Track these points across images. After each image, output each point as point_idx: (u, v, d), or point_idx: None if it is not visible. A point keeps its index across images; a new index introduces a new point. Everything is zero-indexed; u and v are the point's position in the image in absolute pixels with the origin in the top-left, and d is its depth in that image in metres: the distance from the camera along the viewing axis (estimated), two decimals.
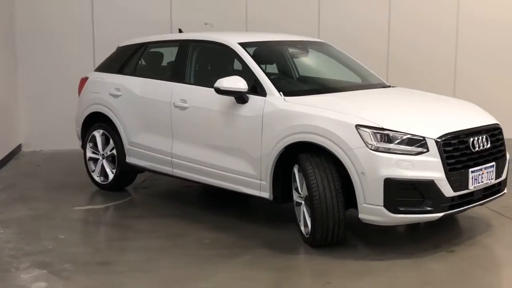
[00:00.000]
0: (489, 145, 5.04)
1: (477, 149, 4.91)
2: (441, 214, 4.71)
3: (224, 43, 5.86)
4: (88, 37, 9.12)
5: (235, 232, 5.39)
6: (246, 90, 5.32)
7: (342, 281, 4.35)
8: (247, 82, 5.35)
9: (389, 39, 9.84)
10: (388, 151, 4.64)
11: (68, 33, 9.08)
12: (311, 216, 4.86)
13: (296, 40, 6.58)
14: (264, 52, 6.01)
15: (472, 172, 4.85)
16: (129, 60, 6.76)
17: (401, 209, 4.62)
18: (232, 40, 5.83)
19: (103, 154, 6.79)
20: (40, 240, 5.21)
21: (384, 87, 6.07)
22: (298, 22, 9.46)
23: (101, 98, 6.72)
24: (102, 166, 6.80)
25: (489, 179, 5.03)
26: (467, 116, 5.26)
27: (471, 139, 4.89)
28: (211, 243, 5.15)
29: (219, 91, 5.34)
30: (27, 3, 8.95)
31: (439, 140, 4.68)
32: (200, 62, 6.18)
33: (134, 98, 6.38)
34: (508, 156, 5.38)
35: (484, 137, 5.01)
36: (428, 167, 4.64)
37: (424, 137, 4.67)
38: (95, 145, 6.86)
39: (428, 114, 5.14)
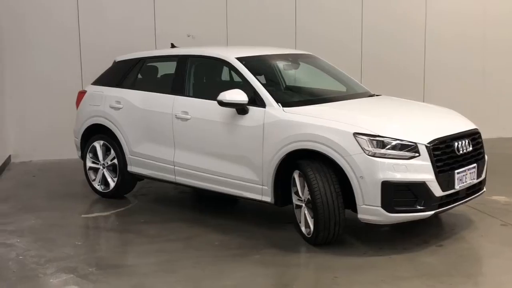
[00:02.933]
0: (471, 148, 5.58)
1: (461, 152, 5.44)
2: (432, 212, 5.23)
3: (222, 58, 6.28)
4: (75, 50, 9.40)
5: (240, 234, 5.80)
6: (246, 102, 5.74)
7: (348, 275, 4.81)
8: (246, 94, 5.78)
9: (362, 51, 10.44)
10: (384, 156, 5.12)
11: (55, 46, 9.34)
12: (313, 217, 5.32)
13: (286, 54, 7.02)
14: (259, 66, 6.42)
15: (458, 173, 5.38)
16: (127, 74, 7.10)
17: (397, 208, 5.11)
18: (230, 55, 6.25)
19: (103, 164, 7.12)
20: (59, 247, 5.52)
21: (371, 95, 6.57)
22: (275, 33, 9.96)
23: (102, 110, 7.05)
24: (103, 175, 7.13)
25: (472, 179, 5.57)
26: (451, 122, 5.80)
27: (456, 144, 5.42)
28: (220, 244, 5.55)
29: (222, 103, 5.75)
30: (13, 16, 9.19)
31: (429, 145, 5.19)
32: (199, 76, 6.58)
33: (135, 111, 6.74)
34: (486, 157, 5.93)
35: (467, 141, 5.55)
36: (420, 170, 5.14)
37: (415, 143, 5.17)
38: (95, 155, 7.18)
39: (417, 121, 5.65)
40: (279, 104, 5.72)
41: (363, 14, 10.35)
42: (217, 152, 6.05)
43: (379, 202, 5.10)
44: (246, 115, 5.81)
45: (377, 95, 6.65)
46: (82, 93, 7.45)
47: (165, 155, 6.49)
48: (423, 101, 10.43)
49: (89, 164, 7.25)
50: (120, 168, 6.96)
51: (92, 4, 9.44)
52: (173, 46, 7.53)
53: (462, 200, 5.56)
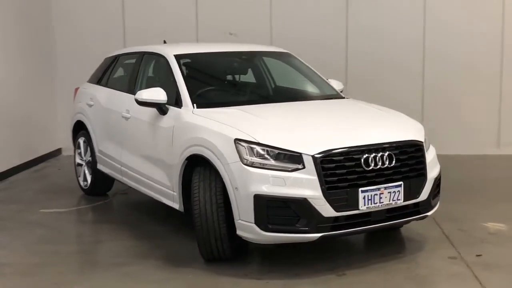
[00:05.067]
0: (393, 163, 4.66)
1: (372, 167, 4.57)
2: (319, 235, 4.46)
3: (161, 54, 5.96)
4: (120, 48, 9.57)
5: (154, 243, 5.44)
6: (164, 102, 5.37)
7: None
8: (174, 93, 5.42)
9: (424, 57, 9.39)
10: (263, 166, 4.48)
11: (102, 44, 9.58)
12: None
13: (244, 51, 6.46)
14: (201, 63, 6.02)
15: (363, 191, 4.53)
16: (106, 71, 7.06)
17: (272, 227, 4.44)
18: (170, 51, 5.90)
19: (85, 160, 7.15)
20: None
21: (329, 98, 5.83)
22: (323, 33, 9.33)
23: (82, 107, 7.09)
24: (84, 171, 7.17)
25: (393, 200, 4.65)
26: (372, 131, 4.86)
27: (364, 156, 4.56)
28: (118, 251, 5.25)
29: (138, 102, 5.45)
30: (64, 15, 9.65)
31: (317, 156, 4.43)
32: (147, 73, 6.32)
33: (100, 108, 6.67)
34: (432, 175, 4.93)
35: (386, 154, 4.64)
36: (302, 185, 4.41)
37: (300, 153, 4.45)
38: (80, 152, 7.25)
39: (324, 129, 4.82)
40: (194, 105, 5.28)
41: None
42: (143, 153, 5.79)
43: (252, 218, 4.47)
44: (165, 116, 5.45)
45: (344, 98, 5.91)
46: (77, 90, 7.56)
47: (117, 154, 6.34)
48: (500, 110, 9.26)
49: (77, 160, 7.33)
50: (93, 166, 6.94)
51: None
52: (165, 43, 7.32)
53: (377, 223, 4.68)
